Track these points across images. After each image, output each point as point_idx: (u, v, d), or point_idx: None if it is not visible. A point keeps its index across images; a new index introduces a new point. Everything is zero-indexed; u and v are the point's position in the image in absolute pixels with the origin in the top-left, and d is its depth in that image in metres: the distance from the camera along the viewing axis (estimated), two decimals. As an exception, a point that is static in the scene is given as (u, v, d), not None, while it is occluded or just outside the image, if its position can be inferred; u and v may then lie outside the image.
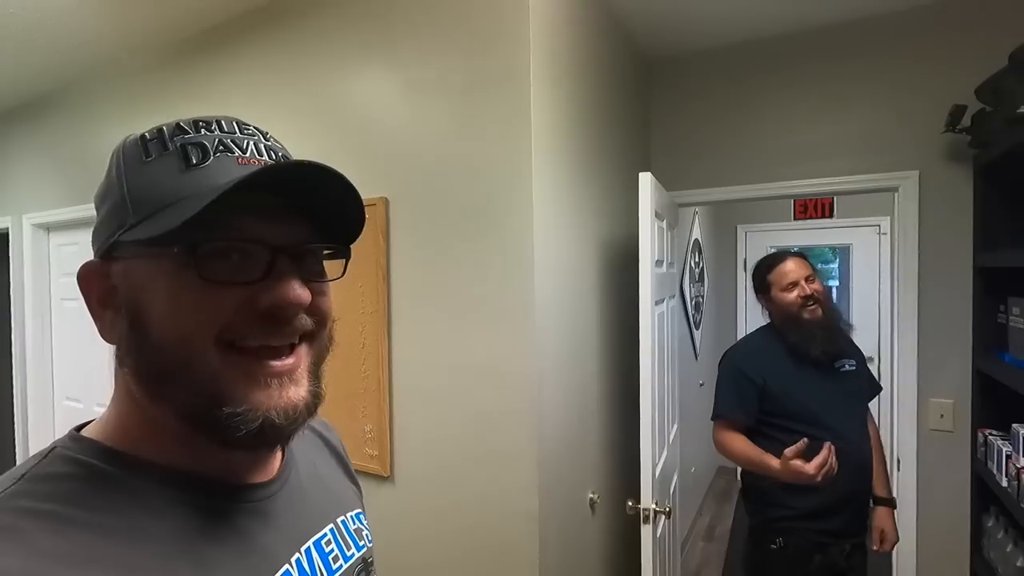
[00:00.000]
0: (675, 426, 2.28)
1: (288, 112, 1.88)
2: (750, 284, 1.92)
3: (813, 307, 1.67)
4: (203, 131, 0.45)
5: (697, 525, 3.57)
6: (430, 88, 1.59)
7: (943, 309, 2.04)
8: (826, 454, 1.45)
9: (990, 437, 1.79)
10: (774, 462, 1.54)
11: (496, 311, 1.50)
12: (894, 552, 2.13)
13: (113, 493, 0.42)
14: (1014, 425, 1.61)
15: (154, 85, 2.29)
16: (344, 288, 1.75)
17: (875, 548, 1.75)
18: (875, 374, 3.96)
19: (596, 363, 1.89)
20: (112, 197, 0.45)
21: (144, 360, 0.43)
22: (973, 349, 1.96)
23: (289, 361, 0.45)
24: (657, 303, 1.82)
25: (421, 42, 1.61)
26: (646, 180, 1.66)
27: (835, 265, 4.71)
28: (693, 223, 3.46)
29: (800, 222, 4.11)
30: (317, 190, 0.45)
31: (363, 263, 1.71)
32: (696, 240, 3.54)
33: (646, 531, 1.69)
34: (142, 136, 0.46)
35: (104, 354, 2.49)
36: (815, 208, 4.02)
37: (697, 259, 3.57)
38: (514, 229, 1.47)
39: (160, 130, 0.45)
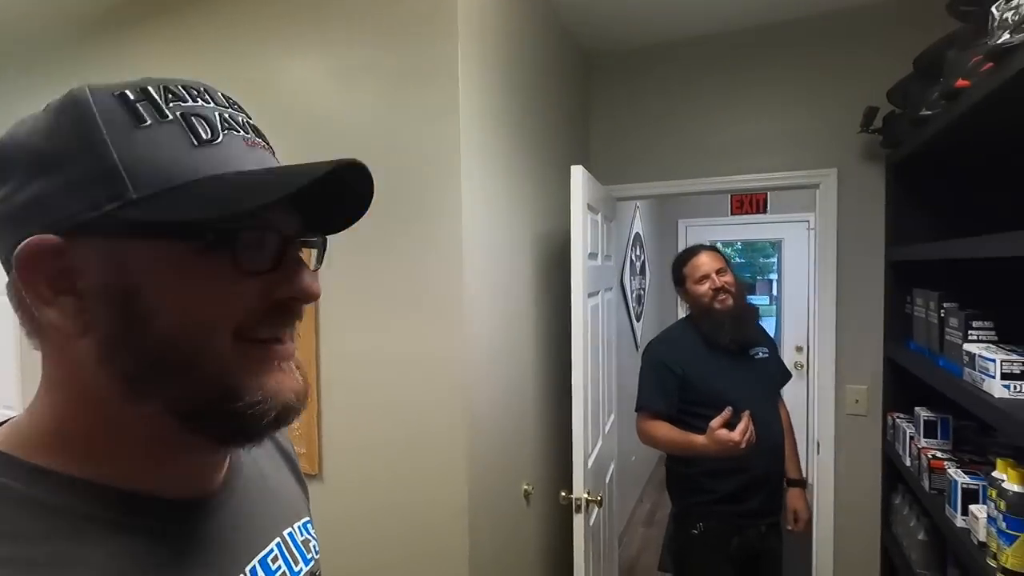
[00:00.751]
0: (612, 416, 2.32)
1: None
2: None
3: (723, 298, 1.73)
4: (198, 100, 0.41)
5: (637, 512, 3.66)
6: (360, 73, 1.54)
7: (859, 300, 2.16)
8: (747, 422, 1.55)
9: (898, 420, 1.91)
10: (699, 439, 1.61)
11: (426, 302, 1.48)
12: (814, 529, 2.25)
13: (30, 519, 0.36)
14: (917, 408, 1.72)
15: (68, 62, 2.13)
16: (269, 280, 1.68)
17: (790, 527, 1.85)
18: (804, 363, 4.18)
19: (532, 355, 1.90)
20: (84, 163, 0.37)
21: (139, 353, 0.38)
22: (884, 337, 2.08)
23: (290, 346, 0.44)
24: (590, 295, 1.84)
25: (352, 25, 1.56)
26: (578, 173, 1.67)
27: (775, 259, 4.90)
28: (634, 217, 3.53)
29: (736, 217, 4.26)
30: (354, 189, 0.46)
31: (289, 254, 1.64)
32: (637, 234, 3.61)
33: (578, 520, 1.71)
34: (120, 95, 0.39)
35: (9, 349, 2.31)
36: (750, 204, 4.18)
37: (638, 252, 3.64)
38: (443, 218, 1.45)
39: (144, 90, 0.39)
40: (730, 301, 1.77)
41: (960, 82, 1.28)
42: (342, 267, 1.59)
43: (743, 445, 1.55)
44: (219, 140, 0.40)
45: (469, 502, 1.46)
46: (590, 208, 1.83)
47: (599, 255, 2.04)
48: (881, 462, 2.11)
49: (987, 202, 1.76)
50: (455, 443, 1.46)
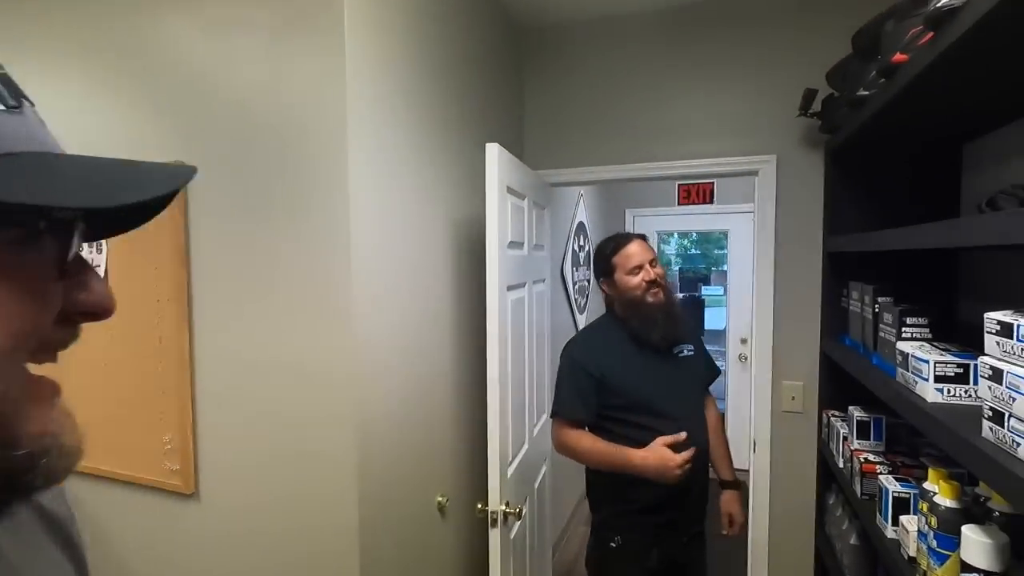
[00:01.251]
0: (544, 416, 2.18)
1: (68, 60, 1.52)
2: None
3: (656, 291, 1.60)
4: None
5: (580, 509, 3.56)
6: (233, 29, 1.32)
7: (796, 294, 2.08)
8: (690, 454, 1.47)
9: (832, 418, 1.83)
10: (637, 455, 1.48)
11: (310, 298, 1.28)
12: (749, 529, 2.18)
13: None
14: (851, 408, 1.64)
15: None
16: (136, 270, 1.45)
17: (724, 532, 1.75)
18: (748, 356, 4.16)
19: (449, 356, 1.73)
20: None
21: None
22: (821, 332, 2.01)
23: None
24: (512, 288, 1.68)
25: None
26: (493, 150, 1.49)
27: (726, 251, 4.86)
28: (578, 205, 3.39)
29: (684, 207, 4.19)
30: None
31: (157, 242, 1.41)
32: (581, 223, 3.48)
33: (494, 535, 1.56)
34: None
35: None
36: (697, 194, 4.11)
37: (582, 242, 3.51)
38: (328, 201, 1.25)
39: None
40: (662, 295, 1.64)
41: (897, 56, 1.17)
42: (220, 259, 1.37)
43: (679, 473, 1.45)
44: (22, 109, 0.32)
45: (361, 522, 1.29)
46: (511, 192, 1.66)
47: (525, 244, 1.88)
48: (817, 462, 2.04)
49: (925, 190, 1.68)
50: (345, 458, 1.28)
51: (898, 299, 1.35)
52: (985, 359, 0.83)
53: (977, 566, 0.88)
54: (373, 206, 1.32)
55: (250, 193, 1.32)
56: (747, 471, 2.22)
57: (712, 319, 7.14)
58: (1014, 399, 0.75)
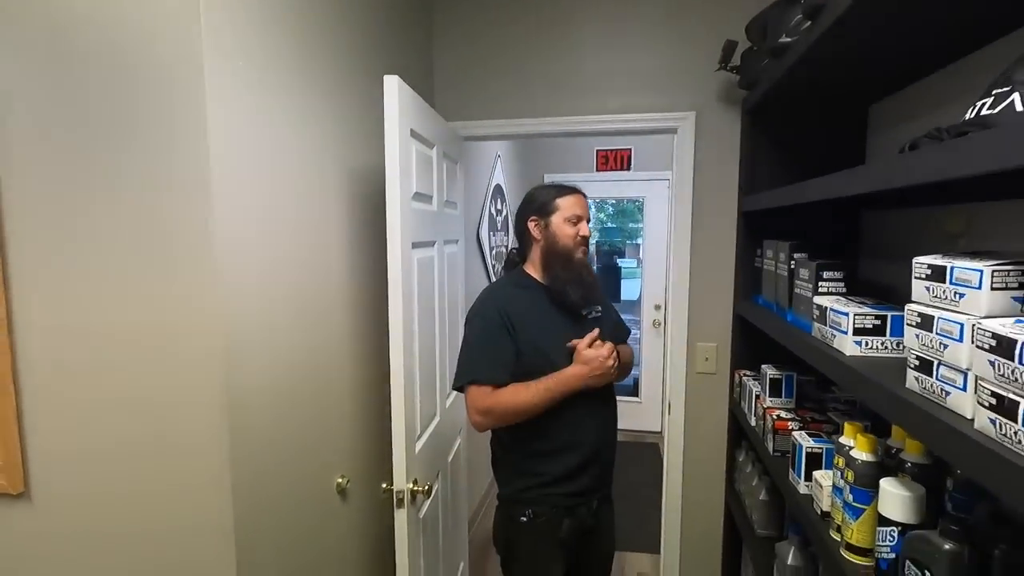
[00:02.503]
0: (457, 386, 2.04)
1: None
2: None
3: (584, 249, 1.50)
4: None
5: (499, 479, 3.53)
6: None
7: (712, 255, 2.06)
8: (610, 346, 1.47)
9: (744, 377, 1.84)
10: (567, 371, 1.41)
11: (164, 256, 1.05)
12: (663, 489, 2.19)
13: None
14: (763, 366, 1.64)
15: None
16: (-73, 219, 1.13)
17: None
18: (662, 321, 4.25)
19: (348, 322, 1.54)
20: None
21: None
22: (734, 294, 2.01)
23: None
24: (417, 246, 1.51)
25: None
26: (392, 84, 1.29)
27: (642, 224, 4.89)
28: (495, 167, 3.23)
29: (602, 174, 4.15)
30: None
31: (-46, 180, 1.10)
32: (498, 185, 3.33)
33: (400, 515, 1.42)
34: None
35: None
36: (615, 160, 4.08)
37: (499, 206, 3.37)
38: (181, 137, 1.01)
39: None
40: (584, 256, 1.53)
41: (823, -7, 1.11)
42: (46, 206, 1.09)
43: (612, 363, 1.44)
44: None
45: (236, 518, 1.09)
46: (416, 136, 1.48)
47: (435, 199, 1.70)
48: (728, 421, 2.07)
49: (836, 150, 1.68)
50: (211, 446, 1.07)
51: (811, 257, 1.33)
52: (913, 306, 0.79)
53: (894, 519, 0.86)
54: (244, 142, 1.09)
55: (85, 123, 1.05)
56: (661, 434, 2.24)
57: (627, 290, 7.32)
58: (945, 346, 0.70)
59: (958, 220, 1.27)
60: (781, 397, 1.54)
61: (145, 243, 1.05)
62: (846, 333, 1.02)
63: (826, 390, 1.59)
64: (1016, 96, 0.66)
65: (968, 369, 0.66)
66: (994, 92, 0.70)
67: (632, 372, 4.65)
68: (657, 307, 4.29)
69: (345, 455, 1.54)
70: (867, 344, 1.01)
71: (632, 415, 4.29)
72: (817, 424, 1.39)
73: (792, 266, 1.40)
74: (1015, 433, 0.56)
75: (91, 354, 1.10)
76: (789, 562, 1.35)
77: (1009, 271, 0.66)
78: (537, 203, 1.53)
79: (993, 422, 0.60)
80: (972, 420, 0.65)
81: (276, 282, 1.21)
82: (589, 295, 1.52)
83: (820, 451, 1.21)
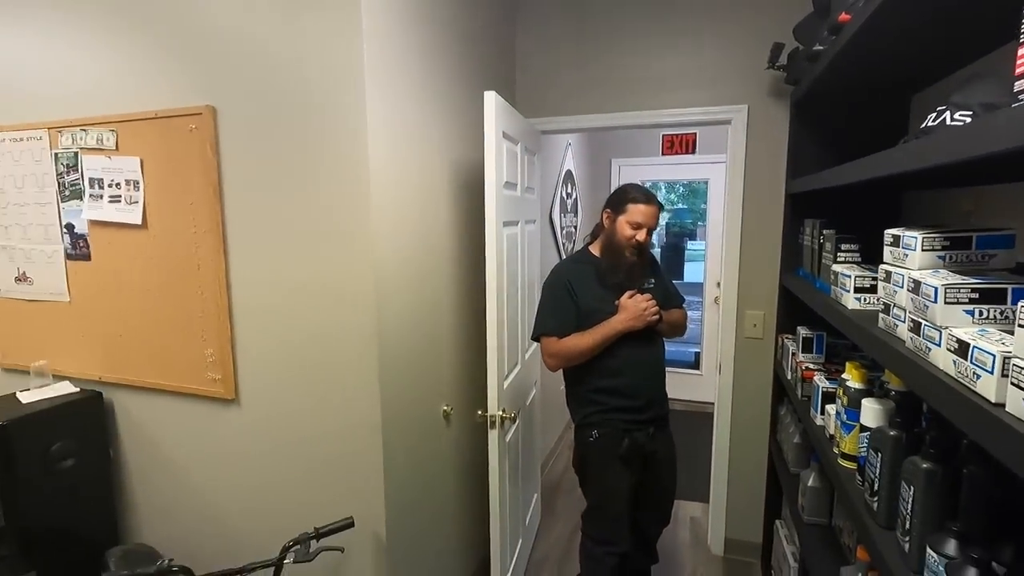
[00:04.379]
0: (533, 345, 2.43)
1: (87, 5, 1.64)
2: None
3: (635, 252, 1.81)
4: None
5: (566, 437, 3.90)
6: (256, -16, 1.46)
7: (761, 232, 2.31)
8: (649, 297, 1.79)
9: (785, 340, 2.10)
10: (614, 319, 1.76)
11: (334, 226, 1.48)
12: (713, 439, 2.48)
13: None
14: (799, 328, 1.90)
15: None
16: (174, 206, 1.63)
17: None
18: (716, 295, 4.43)
19: (453, 282, 1.95)
20: None
21: None
22: (780, 266, 2.25)
23: None
24: (507, 224, 1.88)
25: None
26: (491, 98, 1.67)
27: (707, 206, 5.04)
28: (565, 154, 3.55)
29: (668, 157, 4.36)
30: None
31: (192, 178, 1.59)
32: (569, 171, 3.65)
33: (493, 435, 1.82)
34: None
35: None
36: (680, 144, 4.28)
37: (569, 190, 3.69)
38: (349, 142, 1.43)
39: None
40: (636, 258, 1.83)
41: (842, 16, 1.36)
42: (249, 192, 1.55)
43: (646, 308, 1.76)
44: None
45: (383, 421, 1.53)
46: (507, 137, 1.84)
47: (518, 186, 2.07)
48: (772, 380, 2.33)
49: (878, 138, 1.88)
50: (367, 366, 1.51)
51: (842, 232, 1.58)
52: (883, 265, 1.07)
53: (868, 425, 1.15)
54: (387, 144, 1.50)
55: (276, 133, 1.49)
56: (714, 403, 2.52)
57: (691, 273, 7.39)
58: (895, 292, 0.99)
59: (968, 200, 1.49)
60: (812, 353, 1.80)
61: (323, 223, 1.48)
62: (849, 291, 1.30)
63: (856, 349, 1.83)
64: (947, 114, 0.93)
65: (905, 308, 0.95)
66: (937, 109, 0.97)
67: (693, 348, 4.82)
68: (718, 284, 4.47)
69: (448, 389, 1.96)
70: (865, 300, 1.28)
71: (692, 386, 4.54)
72: (837, 372, 1.65)
73: (821, 240, 1.66)
74: (919, 341, 0.86)
75: (284, 299, 1.56)
76: (809, 484, 1.64)
77: (935, 237, 0.93)
78: (617, 199, 1.86)
79: (912, 338, 0.89)
80: (906, 342, 0.94)
81: (403, 250, 1.63)
82: (628, 281, 1.82)
83: (833, 390, 1.49)
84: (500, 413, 1.83)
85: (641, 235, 1.81)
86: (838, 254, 1.50)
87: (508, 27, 2.46)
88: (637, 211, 1.80)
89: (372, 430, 1.53)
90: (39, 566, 1.67)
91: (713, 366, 4.74)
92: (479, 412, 1.88)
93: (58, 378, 1.89)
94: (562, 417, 3.93)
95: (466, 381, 2.10)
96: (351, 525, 1.47)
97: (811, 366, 1.73)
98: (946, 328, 0.79)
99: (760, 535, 2.40)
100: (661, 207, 1.86)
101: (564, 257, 3.52)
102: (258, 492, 1.69)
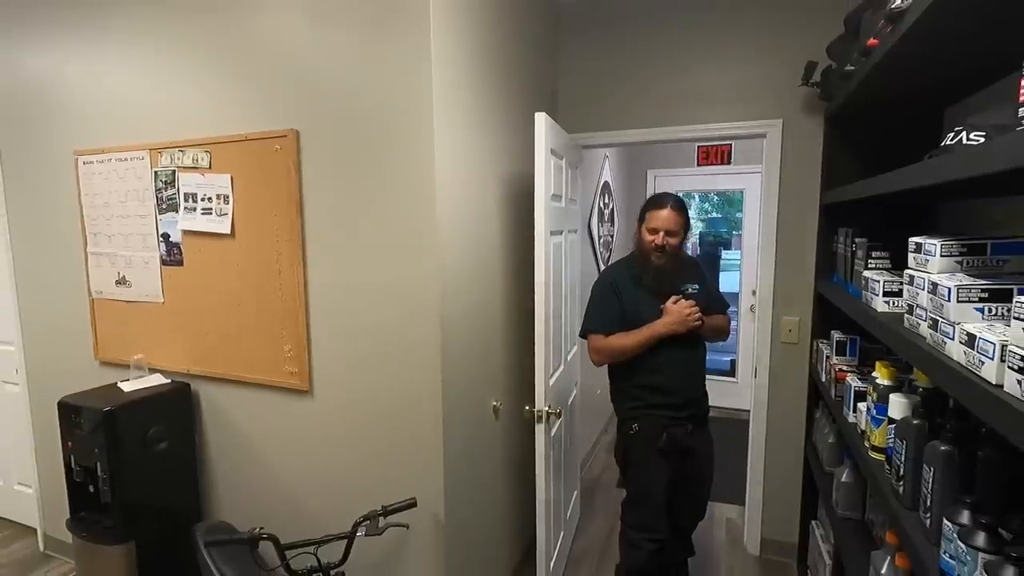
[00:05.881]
0: (575, 348, 2.57)
1: (187, 43, 1.87)
2: None
3: (659, 256, 1.91)
4: None
5: (602, 440, 4.00)
6: (336, 18, 1.65)
7: (795, 241, 2.40)
8: (691, 303, 1.90)
9: (820, 344, 2.18)
10: (658, 322, 1.88)
11: (402, 236, 1.66)
12: (749, 441, 2.56)
13: None
14: (833, 332, 1.98)
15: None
16: (259, 218, 1.84)
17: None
18: (752, 303, 4.47)
19: (501, 286, 2.10)
20: None
21: None
22: (815, 274, 2.33)
23: None
24: (553, 233, 2.03)
25: (327, -27, 1.66)
26: (541, 119, 1.83)
27: (743, 214, 5.10)
28: (603, 166, 3.69)
29: (703, 168, 4.44)
30: None
31: (277, 193, 1.79)
32: (606, 182, 3.78)
33: (539, 429, 1.96)
34: None
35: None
36: (716, 155, 4.36)
37: (607, 200, 3.82)
38: (417, 160, 1.60)
39: None
40: (663, 260, 1.93)
41: (871, 41, 1.47)
42: (326, 205, 1.75)
43: (689, 313, 1.87)
44: None
45: (444, 413, 1.69)
46: (553, 153, 2.00)
47: (563, 198, 2.22)
48: (808, 384, 2.40)
49: (911, 151, 1.96)
50: (430, 360, 1.67)
51: (876, 240, 1.67)
52: (908, 270, 1.17)
53: (895, 417, 1.24)
54: (448, 163, 1.67)
55: (352, 153, 1.68)
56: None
57: (727, 283, 7.37)
58: (917, 294, 1.09)
59: (999, 210, 1.57)
60: (846, 356, 1.89)
61: (396, 232, 1.66)
62: (878, 295, 1.40)
63: (889, 353, 1.90)
64: (963, 134, 1.04)
65: (925, 308, 1.06)
66: (955, 128, 1.07)
67: (728, 356, 4.85)
68: (753, 292, 4.51)
69: (498, 386, 2.12)
70: (893, 303, 1.38)
71: (728, 393, 4.57)
72: (868, 374, 1.73)
73: (853, 248, 1.75)
74: (937, 336, 0.96)
75: (354, 302, 1.74)
76: (843, 479, 1.72)
77: (953, 244, 1.04)
78: (641, 210, 2.01)
79: (931, 334, 1.00)
80: (926, 338, 1.05)
81: (461, 259, 1.79)
82: (665, 288, 1.93)
83: (864, 389, 1.58)
84: (547, 409, 1.97)
85: (659, 239, 1.91)
86: (869, 261, 1.60)
87: (550, 45, 2.62)
88: (653, 216, 1.93)
89: (434, 420, 1.69)
90: (137, 536, 1.89)
91: (748, 373, 4.78)
92: (527, 407, 2.02)
93: (151, 371, 2.12)
94: (599, 421, 4.04)
95: (512, 379, 2.25)
96: (414, 505, 1.63)
97: (844, 368, 1.82)
98: (959, 324, 0.90)
99: (796, 535, 2.46)
100: (683, 209, 1.94)
101: (601, 263, 3.65)
102: (329, 474, 1.87)
